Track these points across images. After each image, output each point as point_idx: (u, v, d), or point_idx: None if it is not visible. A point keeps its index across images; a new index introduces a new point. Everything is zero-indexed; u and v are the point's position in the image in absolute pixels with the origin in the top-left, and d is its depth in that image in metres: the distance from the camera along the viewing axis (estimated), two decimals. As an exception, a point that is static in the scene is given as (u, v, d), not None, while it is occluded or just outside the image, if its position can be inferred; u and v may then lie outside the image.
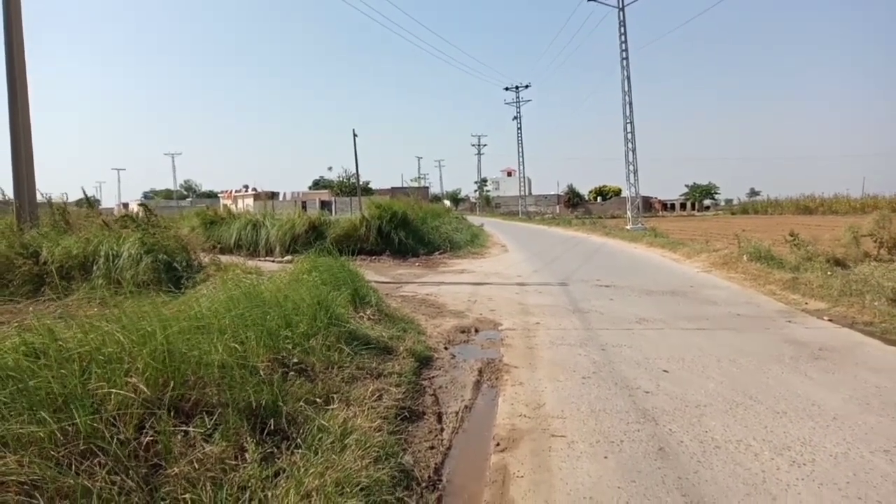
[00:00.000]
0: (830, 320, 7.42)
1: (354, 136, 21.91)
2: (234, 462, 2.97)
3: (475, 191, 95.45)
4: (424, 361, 5.75)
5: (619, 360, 5.76)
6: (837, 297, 8.46)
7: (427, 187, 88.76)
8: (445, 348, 6.41)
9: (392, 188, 65.69)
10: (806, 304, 8.53)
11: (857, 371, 5.24)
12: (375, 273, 12.97)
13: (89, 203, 14.48)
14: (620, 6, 31.33)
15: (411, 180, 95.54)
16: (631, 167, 31.45)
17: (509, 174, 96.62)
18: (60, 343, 3.32)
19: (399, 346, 5.81)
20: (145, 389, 3.12)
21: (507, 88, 66.36)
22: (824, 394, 4.64)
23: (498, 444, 3.86)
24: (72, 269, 9.49)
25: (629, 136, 31.22)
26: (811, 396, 4.58)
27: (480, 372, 5.53)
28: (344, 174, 64.20)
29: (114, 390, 3.04)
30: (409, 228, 18.31)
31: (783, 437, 3.82)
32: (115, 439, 2.83)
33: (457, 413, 4.49)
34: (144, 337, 3.45)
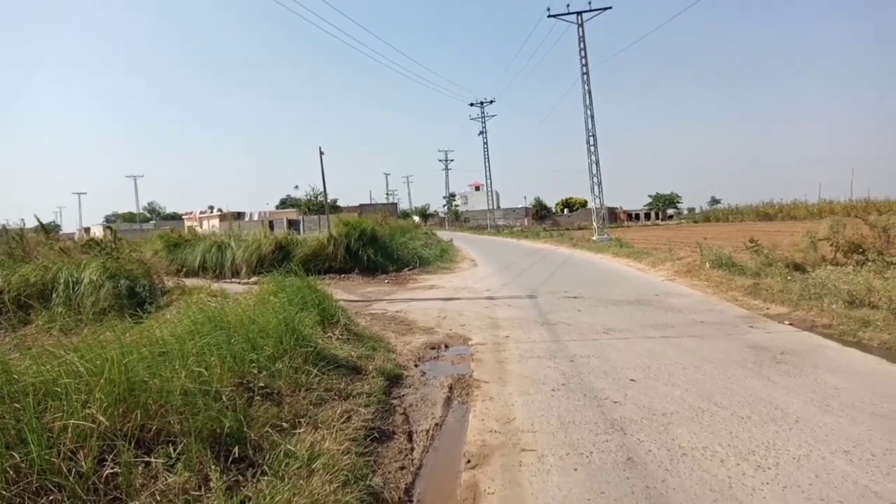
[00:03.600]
0: (791, 324, 7.61)
1: (321, 154, 21.73)
2: (197, 492, 2.90)
3: (444, 206, 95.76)
4: (394, 380, 5.71)
5: (587, 371, 5.81)
6: (797, 301, 8.68)
7: (396, 203, 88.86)
8: (415, 365, 6.38)
9: (361, 205, 65.49)
10: (767, 309, 8.74)
11: (816, 374, 5.37)
12: (344, 292, 12.88)
13: (51, 229, 14.15)
14: (580, 22, 31.96)
15: (385, 196, 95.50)
16: (595, 179, 31.94)
17: (477, 188, 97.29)
18: (14, 376, 3.22)
19: (368, 366, 5.76)
20: (104, 420, 3.04)
21: (472, 104, 66.79)
22: (786, 397, 4.74)
23: (468, 461, 3.85)
24: (30, 297, 9.23)
25: (592, 148, 31.72)
26: (774, 400, 4.68)
27: (451, 388, 5.51)
28: (311, 192, 63.73)
29: (71, 421, 2.95)
30: (378, 245, 18.23)
31: (748, 441, 3.89)
32: (72, 473, 2.75)
33: (427, 431, 4.47)
34: (103, 366, 3.36)
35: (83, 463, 2.82)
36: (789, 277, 10.26)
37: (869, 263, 11.02)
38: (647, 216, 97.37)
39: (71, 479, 2.71)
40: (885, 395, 4.68)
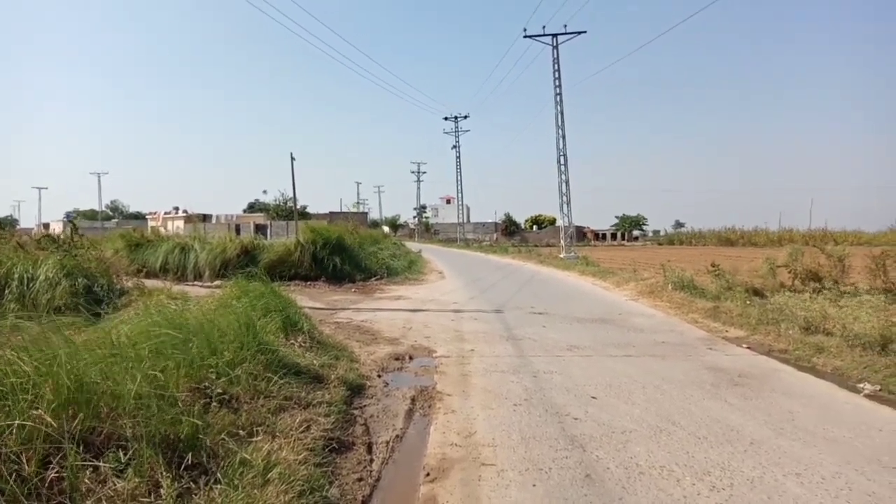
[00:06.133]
0: (749, 348, 7.77)
1: (292, 159, 21.58)
2: (147, 499, 2.81)
3: (414, 217, 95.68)
4: (356, 390, 5.64)
5: (549, 386, 5.83)
6: (755, 325, 8.88)
7: (366, 213, 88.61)
8: (379, 376, 6.32)
9: (330, 213, 64.98)
10: (726, 331, 8.92)
11: (772, 397, 5.49)
12: (310, 299, 12.73)
13: (7, 223, 13.69)
14: (554, 44, 32.45)
15: (352, 205, 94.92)
16: (564, 198, 32.31)
17: (448, 201, 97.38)
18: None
19: (330, 375, 5.69)
20: (52, 422, 2.92)
21: (446, 118, 66.90)
22: (742, 419, 4.83)
23: (428, 475, 3.81)
24: (-20, 292, 8.88)
25: (562, 167, 32.12)
26: (730, 422, 4.76)
27: (413, 400, 5.48)
28: (280, 198, 62.98)
29: (16, 422, 2.84)
30: (346, 254, 18.09)
31: (704, 462, 3.94)
32: (13, 476, 2.63)
33: (387, 443, 4.42)
34: (52, 366, 3.24)
35: (26, 466, 2.71)
36: (748, 302, 10.50)
37: (825, 291, 11.39)
38: (614, 236, 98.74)
39: (12, 482, 2.60)
40: (836, 420, 4.80)
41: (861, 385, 5.91)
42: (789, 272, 13.09)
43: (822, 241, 21.65)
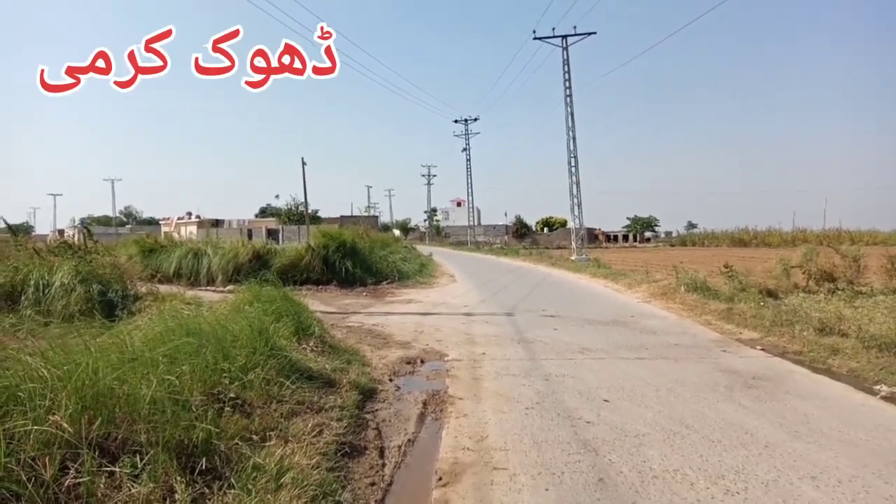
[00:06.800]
0: (763, 349, 7.70)
1: (303, 164, 21.75)
2: (161, 504, 2.84)
3: (425, 220, 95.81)
4: (368, 394, 5.66)
5: (561, 390, 5.82)
6: (769, 326, 8.80)
7: (377, 216, 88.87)
8: (390, 380, 6.34)
9: (341, 217, 65.19)
10: (740, 333, 8.85)
11: (787, 399, 5.44)
12: (321, 303, 12.79)
13: (21, 230, 13.87)
14: (564, 45, 32.38)
15: (363, 209, 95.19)
16: (575, 199, 32.22)
17: (459, 204, 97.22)
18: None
19: (342, 379, 5.71)
20: (69, 428, 2.96)
21: (456, 121, 67.05)
22: (757, 422, 4.79)
23: (440, 479, 3.81)
24: (-3, 298, 9.00)
25: (573, 169, 32.03)
26: (744, 425, 4.72)
27: (425, 404, 5.48)
28: (292, 202, 63.33)
29: (34, 428, 2.88)
30: (357, 258, 18.15)
31: (718, 465, 3.92)
32: (32, 481, 2.67)
33: (399, 447, 4.43)
34: (69, 371, 3.28)
35: (44, 471, 2.74)
36: (762, 303, 10.42)
37: (839, 292, 11.26)
38: (626, 238, 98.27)
39: (30, 487, 2.63)
40: (853, 423, 4.75)
41: (877, 387, 5.84)
42: (803, 273, 12.96)
43: (837, 241, 21.47)
